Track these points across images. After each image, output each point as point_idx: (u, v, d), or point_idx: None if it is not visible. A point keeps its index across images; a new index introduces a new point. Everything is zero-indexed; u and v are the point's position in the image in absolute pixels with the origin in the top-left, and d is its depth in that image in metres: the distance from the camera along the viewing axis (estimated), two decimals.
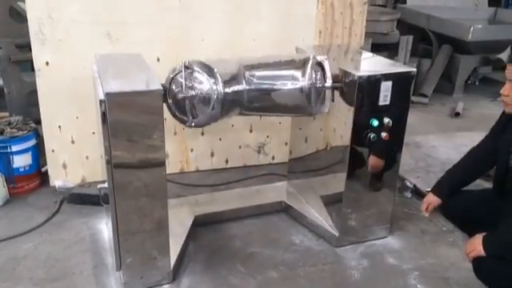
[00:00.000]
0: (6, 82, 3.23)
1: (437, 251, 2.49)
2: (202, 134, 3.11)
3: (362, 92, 2.16)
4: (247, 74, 2.14)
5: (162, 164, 1.91)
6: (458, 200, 2.51)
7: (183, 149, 3.13)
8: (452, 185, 2.54)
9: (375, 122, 2.22)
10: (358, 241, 2.49)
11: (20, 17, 3.14)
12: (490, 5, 6.22)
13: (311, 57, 2.19)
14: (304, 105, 2.19)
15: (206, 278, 2.20)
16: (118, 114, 1.78)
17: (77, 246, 2.39)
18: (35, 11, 2.56)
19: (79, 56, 2.64)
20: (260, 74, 2.16)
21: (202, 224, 2.55)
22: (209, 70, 1.97)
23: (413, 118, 2.79)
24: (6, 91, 3.24)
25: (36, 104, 2.77)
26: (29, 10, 2.56)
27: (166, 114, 1.94)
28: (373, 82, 2.17)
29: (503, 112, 2.36)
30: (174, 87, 1.97)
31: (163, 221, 2.01)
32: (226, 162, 3.28)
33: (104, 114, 1.78)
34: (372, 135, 2.23)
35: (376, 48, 4.54)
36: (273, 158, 3.38)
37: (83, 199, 2.75)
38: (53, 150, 2.85)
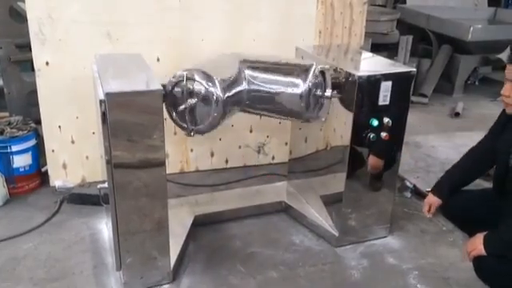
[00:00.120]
0: (5, 82, 3.23)
1: (437, 251, 2.49)
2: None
3: (361, 92, 2.16)
4: (248, 73, 2.14)
5: (162, 164, 1.91)
6: (457, 200, 2.52)
7: (183, 149, 3.14)
8: (452, 185, 2.55)
9: (375, 122, 2.22)
10: (358, 241, 2.49)
11: (20, 17, 3.13)
12: (489, 5, 6.22)
13: (314, 64, 2.20)
14: (302, 111, 2.20)
15: (206, 278, 2.20)
16: (118, 114, 1.78)
17: (77, 246, 2.40)
18: (35, 11, 2.56)
19: (79, 56, 2.64)
20: (261, 76, 2.17)
21: (201, 224, 2.55)
22: (209, 79, 1.95)
23: (412, 117, 2.79)
24: (6, 91, 3.24)
25: (36, 104, 2.77)
26: (29, 10, 2.56)
27: (166, 114, 1.95)
28: (373, 82, 2.18)
29: (502, 112, 2.37)
30: (174, 95, 1.96)
31: (163, 221, 2.01)
32: (226, 162, 3.28)
33: (104, 114, 1.78)
34: (372, 135, 2.23)
35: (376, 48, 4.54)
36: (273, 158, 3.38)
37: (83, 199, 2.75)
38: (53, 150, 2.85)
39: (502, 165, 2.31)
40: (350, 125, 2.22)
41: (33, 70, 2.70)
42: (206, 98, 1.94)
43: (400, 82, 2.23)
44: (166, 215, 2.01)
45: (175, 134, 2.95)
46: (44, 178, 2.93)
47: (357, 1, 3.27)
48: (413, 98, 4.57)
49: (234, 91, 2.05)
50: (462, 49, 5.13)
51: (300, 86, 2.15)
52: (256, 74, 2.17)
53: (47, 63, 2.66)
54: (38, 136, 2.90)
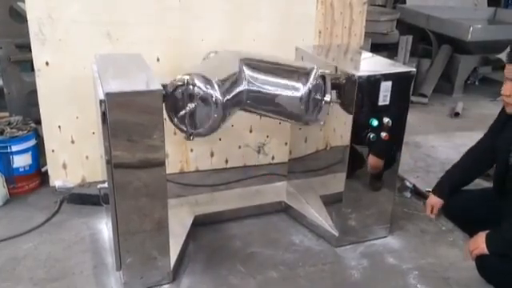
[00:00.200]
0: (5, 82, 3.23)
1: (437, 251, 2.49)
2: None
3: (361, 92, 2.16)
4: (248, 73, 2.15)
5: (162, 164, 1.91)
6: (458, 200, 2.52)
7: (183, 149, 3.14)
8: (452, 185, 2.55)
9: (375, 122, 2.22)
10: (358, 241, 2.49)
11: (20, 17, 3.13)
12: (489, 5, 6.22)
13: (315, 68, 2.20)
14: (301, 113, 2.21)
15: (206, 278, 2.20)
16: (118, 113, 1.78)
17: (77, 246, 2.39)
18: (35, 11, 2.56)
19: (79, 56, 2.64)
20: (262, 77, 2.17)
21: (201, 224, 2.55)
22: (208, 83, 1.94)
23: (412, 117, 2.80)
24: (6, 91, 3.24)
25: (36, 104, 2.77)
26: (29, 10, 2.56)
27: (166, 116, 1.95)
28: (372, 82, 2.18)
29: (502, 110, 2.36)
30: (174, 99, 1.95)
31: (163, 221, 2.01)
32: (226, 162, 3.28)
33: (104, 114, 1.78)
34: (372, 135, 2.23)
35: (375, 48, 4.54)
36: (273, 158, 3.38)
37: (83, 199, 2.75)
38: (53, 150, 2.85)
39: (502, 163, 2.31)
40: (349, 125, 2.22)
41: (33, 70, 2.70)
42: (205, 102, 1.94)
43: (400, 82, 2.23)
44: (165, 215, 2.01)
45: (175, 133, 2.94)
46: (44, 177, 2.93)
47: (357, 1, 3.27)
48: (413, 98, 4.57)
49: (233, 93, 2.06)
50: (462, 49, 5.14)
51: (300, 90, 2.16)
52: (257, 74, 2.17)
53: (47, 63, 2.66)
54: (38, 136, 2.90)
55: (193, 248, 2.40)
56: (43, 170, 2.95)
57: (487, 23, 5.86)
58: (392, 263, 2.38)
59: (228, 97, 2.00)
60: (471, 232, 2.31)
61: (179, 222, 2.44)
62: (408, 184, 3.04)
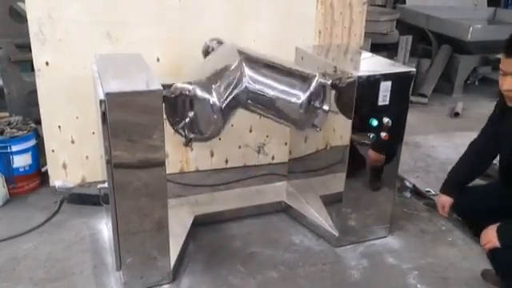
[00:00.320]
0: (5, 82, 3.23)
1: (436, 251, 2.49)
2: None
3: (361, 92, 2.16)
4: (248, 73, 2.15)
5: (162, 164, 1.92)
6: (466, 196, 2.45)
7: (183, 149, 3.13)
8: (460, 181, 2.48)
9: (375, 122, 2.22)
10: (358, 241, 2.49)
11: (20, 17, 3.13)
12: (489, 5, 6.23)
13: (317, 76, 2.21)
14: (299, 118, 2.23)
15: (206, 278, 2.21)
16: (118, 113, 1.78)
17: (77, 246, 2.40)
18: (35, 11, 2.56)
19: (79, 56, 2.64)
20: (262, 80, 2.18)
21: (201, 224, 2.55)
22: (207, 90, 1.96)
23: (412, 117, 2.80)
24: (6, 91, 3.24)
25: (36, 104, 2.77)
26: (29, 10, 2.56)
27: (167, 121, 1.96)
28: (372, 82, 2.18)
29: (499, 101, 2.31)
30: (174, 106, 1.97)
31: (163, 221, 2.01)
32: (226, 162, 3.28)
33: (104, 114, 1.78)
34: (371, 135, 2.23)
35: (375, 48, 4.54)
36: (273, 157, 3.38)
37: (83, 199, 2.75)
38: (53, 150, 2.85)
39: (506, 153, 2.26)
40: (349, 125, 2.22)
41: (33, 70, 2.70)
42: (205, 110, 1.95)
43: (399, 82, 2.23)
44: (166, 215, 2.01)
45: (175, 133, 2.95)
46: (44, 177, 2.93)
47: (356, 1, 3.28)
48: (412, 98, 4.57)
49: (233, 95, 2.07)
50: (462, 49, 5.14)
51: (300, 96, 2.17)
52: (257, 76, 2.18)
53: (47, 63, 2.66)
54: (38, 136, 2.90)
55: (193, 248, 2.41)
56: (43, 170, 2.95)
57: (487, 23, 5.86)
58: (392, 263, 2.38)
59: (228, 100, 2.02)
60: (482, 227, 2.26)
61: (179, 222, 2.44)
62: (408, 184, 3.04)
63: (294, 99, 2.17)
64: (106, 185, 1.96)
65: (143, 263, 2.05)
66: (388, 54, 4.64)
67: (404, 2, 5.85)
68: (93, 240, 2.45)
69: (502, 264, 2.08)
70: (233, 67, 2.16)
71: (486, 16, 5.98)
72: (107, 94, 1.74)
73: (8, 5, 3.22)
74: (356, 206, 2.41)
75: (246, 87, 2.15)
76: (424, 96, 4.98)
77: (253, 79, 2.16)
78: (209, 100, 1.93)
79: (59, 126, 2.81)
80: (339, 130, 2.35)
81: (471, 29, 4.84)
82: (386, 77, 2.19)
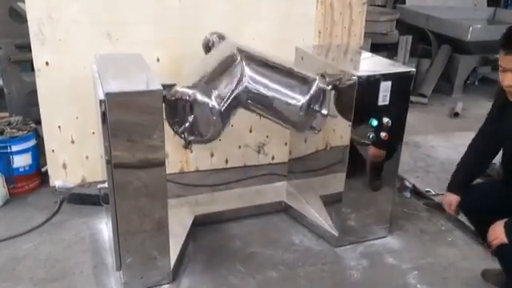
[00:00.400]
0: (5, 82, 3.24)
1: (436, 251, 2.49)
2: None
3: (361, 92, 2.16)
4: (248, 73, 2.15)
5: (161, 164, 1.92)
6: (471, 193, 2.44)
7: (183, 149, 3.12)
8: (465, 178, 2.46)
9: (374, 122, 2.22)
10: (358, 241, 2.50)
11: (20, 17, 3.14)
12: (489, 5, 6.23)
13: (317, 80, 2.21)
14: (298, 121, 2.23)
15: (206, 278, 2.21)
16: (118, 113, 1.78)
17: (77, 246, 2.40)
18: (35, 11, 2.56)
19: (79, 56, 2.64)
20: (263, 81, 2.18)
21: (201, 224, 2.55)
22: (207, 94, 1.96)
23: (412, 118, 2.80)
24: (6, 91, 3.24)
25: (36, 104, 2.77)
26: (29, 10, 2.56)
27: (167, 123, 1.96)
28: (372, 82, 2.18)
29: (498, 96, 2.29)
30: (174, 111, 1.97)
31: (163, 221, 2.01)
32: (226, 162, 3.28)
33: (104, 114, 1.78)
34: (371, 135, 2.24)
35: (375, 48, 4.54)
36: (273, 157, 3.38)
37: (83, 199, 2.75)
38: (53, 150, 2.85)
39: (508, 149, 2.25)
40: (349, 125, 2.22)
41: (33, 70, 2.70)
42: (205, 114, 1.95)
43: (399, 82, 2.23)
44: (166, 215, 2.01)
45: (175, 134, 2.95)
46: (44, 177, 2.93)
47: (356, 1, 3.28)
48: (412, 98, 4.56)
49: (233, 96, 2.07)
50: (462, 49, 5.14)
51: (300, 99, 2.17)
52: (257, 77, 2.18)
53: (47, 63, 2.67)
54: (38, 136, 2.90)
55: (193, 248, 2.41)
56: (43, 170, 2.95)
57: (487, 23, 5.86)
58: (391, 263, 2.38)
59: (228, 101, 2.01)
60: (488, 224, 2.24)
61: (179, 222, 2.44)
62: (408, 184, 3.04)
63: (293, 101, 2.18)
64: (105, 185, 1.96)
65: (143, 263, 2.05)
66: (388, 54, 4.63)
67: (404, 2, 5.85)
68: (93, 240, 2.45)
69: (510, 260, 2.06)
70: (233, 67, 2.16)
71: (485, 16, 5.98)
72: (107, 94, 1.74)
73: (8, 5, 3.22)
74: (356, 206, 2.41)
75: (246, 87, 2.15)
76: (424, 96, 4.98)
77: (253, 79, 2.17)
78: (208, 104, 1.93)
79: (59, 126, 2.81)
80: (339, 130, 2.35)
81: (471, 29, 4.84)
82: (385, 77, 2.19)
